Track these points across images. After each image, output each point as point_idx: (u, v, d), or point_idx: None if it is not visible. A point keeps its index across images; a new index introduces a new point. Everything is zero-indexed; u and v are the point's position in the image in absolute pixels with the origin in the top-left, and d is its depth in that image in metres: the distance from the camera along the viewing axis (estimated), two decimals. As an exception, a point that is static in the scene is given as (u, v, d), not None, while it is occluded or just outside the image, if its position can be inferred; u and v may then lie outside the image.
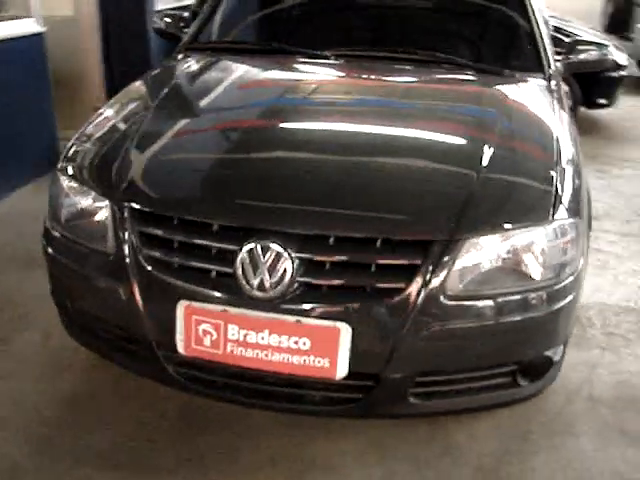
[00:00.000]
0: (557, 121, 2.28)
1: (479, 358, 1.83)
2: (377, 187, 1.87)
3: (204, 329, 1.77)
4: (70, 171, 2.09)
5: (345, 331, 1.70)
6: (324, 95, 2.48)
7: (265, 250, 1.71)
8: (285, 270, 1.70)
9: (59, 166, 2.14)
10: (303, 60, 2.71)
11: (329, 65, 2.66)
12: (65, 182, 2.07)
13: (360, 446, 2.19)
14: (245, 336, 1.75)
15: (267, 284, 1.71)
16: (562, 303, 1.84)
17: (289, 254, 1.70)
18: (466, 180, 1.89)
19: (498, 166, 1.96)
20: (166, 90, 2.52)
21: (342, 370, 1.74)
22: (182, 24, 3.20)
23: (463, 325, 1.75)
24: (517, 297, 1.77)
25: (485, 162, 1.95)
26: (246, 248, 1.72)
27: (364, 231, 1.74)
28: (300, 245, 1.72)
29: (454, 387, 1.86)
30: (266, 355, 1.75)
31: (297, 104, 2.40)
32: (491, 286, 1.77)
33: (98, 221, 1.95)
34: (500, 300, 1.76)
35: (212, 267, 1.77)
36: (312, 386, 1.84)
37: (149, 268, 1.81)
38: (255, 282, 1.72)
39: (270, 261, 1.70)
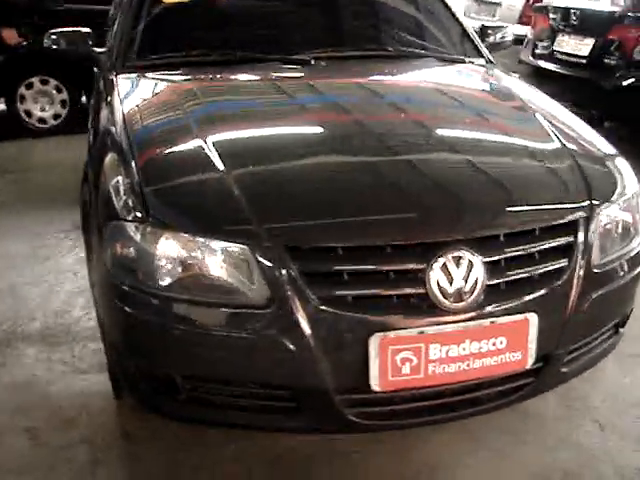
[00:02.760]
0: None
1: (611, 317, 2.03)
2: (509, 181, 1.95)
3: (402, 357, 1.67)
4: (163, 220, 1.73)
5: (533, 320, 1.77)
6: (372, 98, 2.46)
7: (457, 260, 1.68)
8: (479, 276, 1.69)
9: (133, 216, 1.76)
10: (281, 66, 2.59)
11: (322, 68, 2.58)
12: (155, 234, 1.71)
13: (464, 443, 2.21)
14: (447, 352, 1.70)
15: (464, 294, 1.68)
16: None
17: (479, 259, 1.69)
18: (568, 163, 2.04)
19: (571, 144, 2.15)
20: (203, 111, 2.24)
21: (531, 358, 1.80)
22: (90, 41, 2.75)
23: (606, 290, 1.92)
24: (633, 254, 2.00)
25: (563, 143, 2.13)
26: (439, 262, 1.66)
27: (527, 224, 1.80)
28: (481, 248, 1.72)
29: (587, 348, 2.03)
30: (467, 365, 1.72)
31: (372, 104, 2.37)
32: (616, 249, 1.97)
33: (227, 271, 1.67)
34: (624, 260, 1.98)
35: (398, 291, 1.67)
36: (484, 385, 1.85)
37: (326, 308, 1.63)
38: (452, 295, 1.68)
39: (464, 270, 1.68)
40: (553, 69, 5.08)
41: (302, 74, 2.59)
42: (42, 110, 5.78)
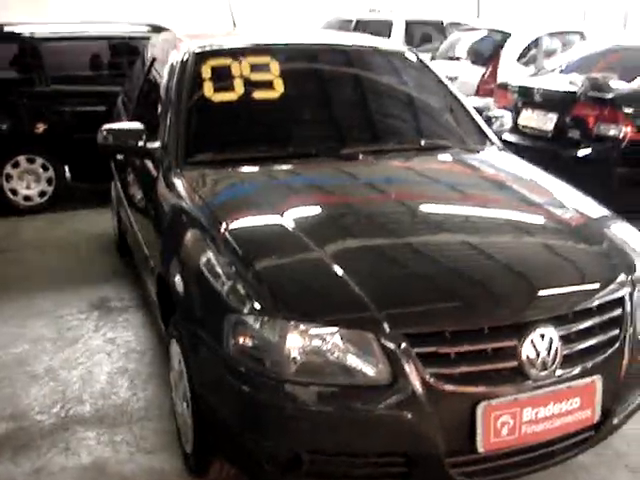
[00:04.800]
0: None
1: None
2: (579, 265, 2.31)
3: (502, 421, 1.95)
4: (287, 313, 1.96)
5: (598, 381, 2.09)
6: (429, 185, 2.84)
7: (542, 336, 1.99)
8: (557, 348, 2.01)
9: (251, 308, 1.98)
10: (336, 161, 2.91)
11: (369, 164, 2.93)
12: (280, 327, 1.94)
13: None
14: (536, 414, 1.99)
15: (548, 364, 1.99)
16: None
17: (557, 334, 2.02)
18: (607, 244, 2.40)
19: (605, 227, 2.55)
20: (288, 205, 2.50)
21: (598, 413, 2.12)
22: (144, 136, 2.97)
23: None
24: None
25: (599, 225, 2.53)
26: (529, 339, 1.98)
27: (592, 300, 2.14)
28: (558, 324, 2.04)
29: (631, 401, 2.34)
30: (551, 423, 2.02)
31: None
32: None
33: (351, 356, 1.92)
34: None
35: (496, 365, 1.97)
36: (557, 440, 2.13)
37: (439, 384, 1.90)
38: (538, 365, 1.98)
39: (547, 344, 1.99)
40: (517, 141, 5.57)
41: (355, 167, 2.89)
42: (27, 188, 5.83)
